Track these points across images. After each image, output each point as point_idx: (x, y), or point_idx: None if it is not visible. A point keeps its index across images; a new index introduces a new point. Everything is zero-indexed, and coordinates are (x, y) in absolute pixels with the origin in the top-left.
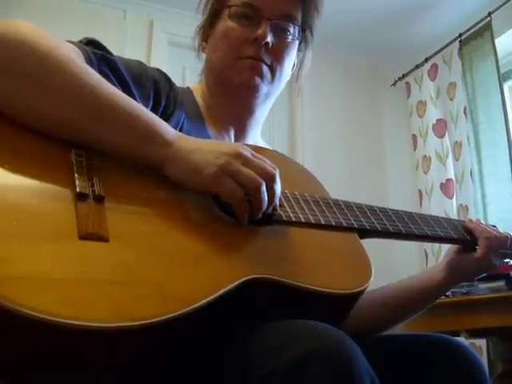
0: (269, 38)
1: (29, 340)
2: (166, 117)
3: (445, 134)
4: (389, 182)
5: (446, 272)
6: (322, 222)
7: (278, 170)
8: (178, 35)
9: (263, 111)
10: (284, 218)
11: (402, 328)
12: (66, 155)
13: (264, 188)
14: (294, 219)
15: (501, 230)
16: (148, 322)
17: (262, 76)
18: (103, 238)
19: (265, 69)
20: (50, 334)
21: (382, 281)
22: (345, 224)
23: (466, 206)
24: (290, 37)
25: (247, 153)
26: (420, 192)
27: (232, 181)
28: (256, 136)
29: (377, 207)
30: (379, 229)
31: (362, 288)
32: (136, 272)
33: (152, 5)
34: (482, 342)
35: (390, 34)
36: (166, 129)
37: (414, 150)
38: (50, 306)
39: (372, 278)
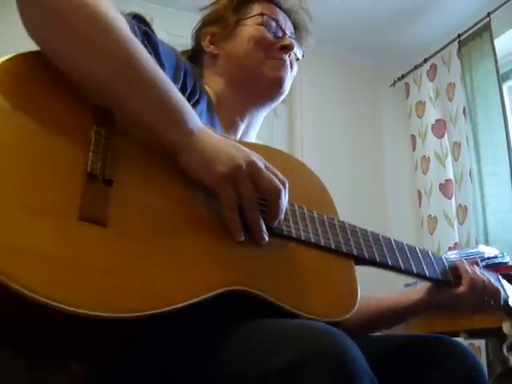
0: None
1: (13, 310)
2: (192, 104)
3: (444, 134)
4: (388, 182)
5: (425, 296)
6: (322, 244)
7: (287, 184)
8: (178, 35)
9: (263, 114)
10: (284, 233)
11: (401, 328)
12: (86, 130)
13: (256, 206)
14: (294, 235)
15: (493, 281)
16: (127, 315)
17: (288, 77)
18: (102, 223)
19: (289, 73)
20: (32, 310)
21: (382, 280)
22: (344, 250)
23: (465, 206)
24: (299, 56)
25: (261, 164)
26: (419, 192)
27: (232, 189)
28: (254, 136)
29: (382, 236)
30: (377, 260)
31: (342, 319)
32: (126, 263)
33: (152, 5)
34: (481, 343)
35: (389, 35)
36: (193, 117)
37: (413, 150)
38: (36, 283)
39: (354, 311)
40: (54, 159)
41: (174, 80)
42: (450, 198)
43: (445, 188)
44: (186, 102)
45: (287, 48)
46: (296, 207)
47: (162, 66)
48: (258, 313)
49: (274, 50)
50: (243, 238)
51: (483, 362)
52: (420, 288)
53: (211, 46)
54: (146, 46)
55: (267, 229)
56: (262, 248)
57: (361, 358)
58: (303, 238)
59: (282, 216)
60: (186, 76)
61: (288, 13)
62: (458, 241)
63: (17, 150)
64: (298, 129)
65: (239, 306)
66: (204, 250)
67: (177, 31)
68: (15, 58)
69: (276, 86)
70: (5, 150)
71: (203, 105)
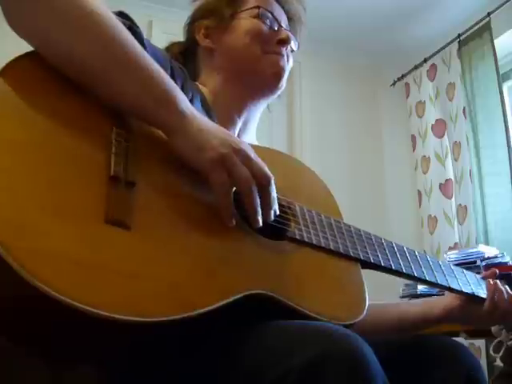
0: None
1: (41, 312)
2: None
3: (444, 134)
4: (388, 182)
5: (439, 314)
6: (331, 248)
7: (272, 179)
8: (178, 36)
9: (261, 109)
10: (297, 237)
11: None
12: (106, 131)
13: (255, 189)
14: (305, 239)
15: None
16: (155, 319)
17: (285, 72)
18: (127, 226)
19: (285, 66)
20: (64, 313)
21: (381, 280)
22: (351, 253)
23: (465, 206)
24: (294, 48)
25: (250, 152)
26: (419, 192)
27: (225, 173)
28: (252, 139)
29: (385, 241)
30: (382, 264)
31: (353, 321)
32: (149, 266)
33: (151, 5)
34: (481, 343)
35: (389, 35)
36: (184, 100)
37: (413, 150)
38: (64, 286)
39: (365, 313)
40: (77, 161)
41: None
42: (450, 198)
43: (445, 188)
44: (176, 86)
45: (284, 41)
46: (305, 210)
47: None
48: (273, 315)
49: (271, 43)
50: (234, 223)
51: (483, 362)
52: (437, 302)
53: (206, 40)
54: None
55: (281, 232)
56: (277, 252)
57: (376, 360)
58: (314, 242)
59: (276, 206)
60: (173, 75)
61: (282, 4)
62: (458, 241)
63: (38, 151)
64: (297, 129)
65: (257, 308)
66: (224, 253)
67: (176, 31)
68: (22, 59)
69: (275, 80)
70: (27, 151)
71: (197, 104)
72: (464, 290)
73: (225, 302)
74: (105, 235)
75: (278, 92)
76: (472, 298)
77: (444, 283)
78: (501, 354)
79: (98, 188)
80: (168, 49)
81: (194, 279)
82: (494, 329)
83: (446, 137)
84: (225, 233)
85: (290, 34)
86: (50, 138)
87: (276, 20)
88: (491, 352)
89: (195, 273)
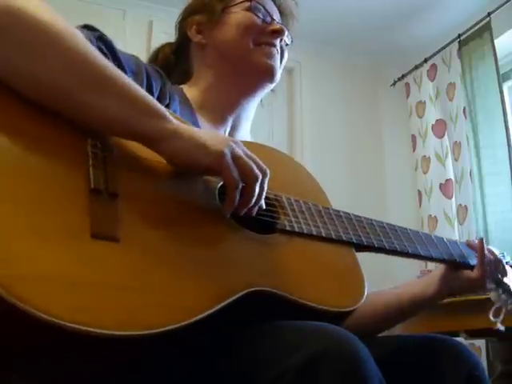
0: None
1: (38, 338)
2: None
3: (444, 134)
4: (388, 182)
5: (438, 286)
6: (323, 235)
7: (268, 172)
8: None
9: (254, 105)
10: (287, 228)
11: (401, 328)
12: (80, 144)
13: (259, 182)
14: (296, 229)
15: (497, 253)
16: (151, 332)
17: (277, 65)
18: (115, 239)
19: (278, 59)
20: (59, 337)
21: (381, 280)
22: (344, 238)
23: (466, 206)
24: (288, 42)
25: (244, 147)
26: (419, 192)
27: (235, 166)
28: (246, 136)
29: (375, 221)
30: (375, 245)
31: (355, 307)
32: (144, 277)
33: (151, 5)
34: (481, 343)
35: (389, 35)
36: (164, 108)
37: (414, 150)
38: (63, 310)
39: (364, 298)
40: (54, 179)
41: (136, 82)
42: (450, 198)
43: (445, 188)
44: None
45: (278, 32)
46: (292, 200)
47: (121, 68)
48: (272, 312)
49: (264, 35)
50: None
51: (483, 362)
52: (430, 277)
53: (198, 36)
54: (101, 51)
55: (271, 225)
56: (270, 246)
57: (372, 361)
58: (305, 232)
59: (262, 202)
60: (149, 79)
61: None
62: (450, 238)
63: (13, 175)
64: (298, 129)
65: (253, 307)
66: (216, 254)
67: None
68: None
69: (267, 73)
70: (3, 175)
71: (175, 106)
72: (458, 259)
73: (222, 304)
74: (94, 251)
75: (273, 84)
76: (464, 265)
77: (438, 256)
78: (501, 318)
79: (80, 203)
80: (159, 50)
81: (187, 285)
82: (492, 294)
83: (446, 137)
84: (214, 233)
85: (283, 26)
86: (25, 160)
87: (268, 13)
88: (490, 317)
89: (188, 278)
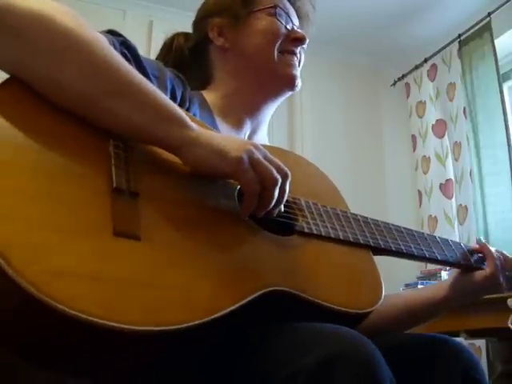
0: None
1: (62, 333)
2: None
3: (444, 134)
4: (388, 182)
5: (449, 290)
6: (341, 237)
7: (289, 175)
8: None
9: (273, 109)
10: (305, 230)
11: None
12: (103, 145)
13: (279, 185)
14: (315, 232)
15: (506, 253)
16: (172, 327)
17: (298, 75)
18: (136, 237)
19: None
20: (82, 331)
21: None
22: (361, 241)
23: (466, 206)
24: (305, 46)
25: (264, 149)
26: (419, 192)
27: (253, 171)
28: (264, 138)
29: (392, 225)
30: (393, 248)
31: (372, 309)
32: (166, 276)
33: (152, 5)
34: (481, 343)
35: (389, 35)
36: (186, 114)
37: (414, 150)
38: (86, 305)
39: (382, 300)
40: (78, 177)
41: (160, 88)
42: (450, 198)
43: (445, 188)
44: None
45: (300, 40)
46: (311, 203)
47: (145, 74)
48: (289, 313)
49: (287, 42)
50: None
51: (483, 362)
52: (442, 283)
53: (221, 39)
54: (125, 56)
55: (290, 227)
56: (288, 247)
57: (385, 364)
58: (323, 234)
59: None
60: (172, 85)
61: (292, 1)
62: (458, 241)
63: (37, 172)
64: (298, 129)
65: (271, 307)
66: (235, 254)
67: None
68: (9, 81)
69: (290, 83)
70: (25, 174)
71: (195, 110)
72: (474, 264)
73: (242, 303)
74: (116, 248)
75: (295, 91)
76: (477, 268)
77: (455, 260)
78: None
79: (102, 202)
80: (173, 38)
81: (207, 283)
82: (509, 301)
83: (446, 137)
84: (233, 234)
85: (304, 33)
86: (48, 160)
87: (291, 20)
88: (509, 325)
89: (207, 277)
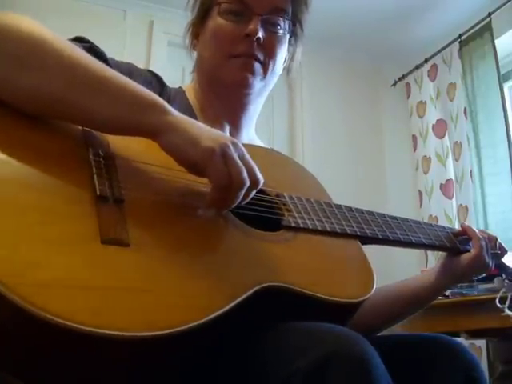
0: (260, 34)
1: (57, 345)
2: None
3: (445, 134)
4: (389, 182)
5: (439, 275)
6: (328, 229)
7: (261, 182)
8: (178, 36)
9: (256, 107)
10: (292, 224)
11: (401, 328)
12: (82, 153)
13: (244, 190)
14: (301, 225)
15: (490, 232)
16: (175, 330)
17: (254, 73)
18: (125, 243)
19: (257, 66)
20: (78, 341)
21: (382, 280)
22: (348, 231)
23: (466, 206)
24: (281, 31)
25: (243, 149)
26: (420, 192)
27: (223, 164)
28: (250, 133)
29: (376, 213)
30: (379, 236)
31: (365, 297)
32: (158, 280)
33: (152, 5)
34: (481, 343)
35: (389, 35)
36: (165, 103)
37: (414, 150)
38: (79, 315)
39: (375, 287)
40: (60, 188)
41: None
42: (450, 198)
43: (445, 188)
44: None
45: (249, 35)
46: (295, 198)
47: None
48: (284, 309)
49: (237, 43)
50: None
51: (484, 362)
52: (431, 269)
53: (194, 40)
54: None
55: (276, 223)
56: (276, 243)
57: (381, 362)
58: (310, 227)
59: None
60: (146, 86)
61: None
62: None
63: (19, 186)
64: (298, 129)
65: (265, 305)
66: (223, 253)
67: (177, 31)
68: None
69: (239, 88)
70: (12, 188)
71: (174, 107)
72: (460, 246)
73: (237, 301)
74: (106, 256)
75: (251, 95)
76: (461, 250)
77: (441, 244)
78: (507, 304)
79: (88, 211)
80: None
81: (203, 285)
82: (496, 281)
83: (446, 137)
84: (221, 233)
85: (259, 24)
86: (31, 172)
87: (246, 8)
88: (497, 304)
89: (203, 278)
